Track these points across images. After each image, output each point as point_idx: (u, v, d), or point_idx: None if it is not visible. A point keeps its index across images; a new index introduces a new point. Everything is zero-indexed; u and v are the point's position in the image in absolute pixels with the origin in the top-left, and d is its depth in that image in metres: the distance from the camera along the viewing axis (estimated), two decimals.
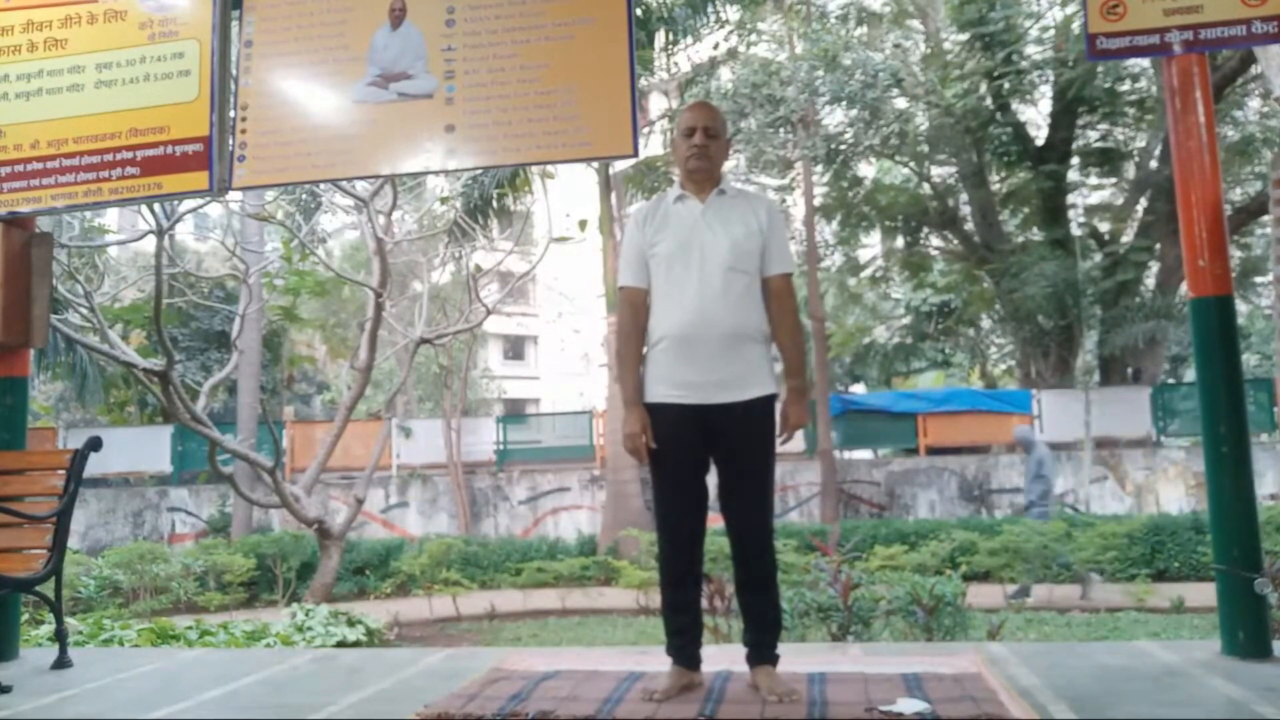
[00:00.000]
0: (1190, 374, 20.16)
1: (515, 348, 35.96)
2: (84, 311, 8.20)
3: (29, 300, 3.97)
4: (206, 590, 11.55)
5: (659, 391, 2.86)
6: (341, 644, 7.01)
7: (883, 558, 9.74)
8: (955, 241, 18.03)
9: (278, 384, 19.51)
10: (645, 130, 16.51)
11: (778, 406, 2.90)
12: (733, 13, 14.66)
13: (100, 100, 3.86)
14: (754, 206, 2.98)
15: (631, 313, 2.95)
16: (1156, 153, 15.72)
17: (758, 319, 2.88)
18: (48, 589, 3.74)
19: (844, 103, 13.94)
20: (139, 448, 16.37)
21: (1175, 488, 13.89)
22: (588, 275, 21.88)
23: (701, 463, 2.89)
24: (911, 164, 16.91)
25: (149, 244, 8.70)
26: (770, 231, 2.93)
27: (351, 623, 7.47)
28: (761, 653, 2.87)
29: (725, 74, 15.41)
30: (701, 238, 2.88)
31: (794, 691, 2.75)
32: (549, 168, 10.28)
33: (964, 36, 15.37)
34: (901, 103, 15.05)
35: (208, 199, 6.56)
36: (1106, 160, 16.95)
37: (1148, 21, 3.40)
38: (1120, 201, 17.73)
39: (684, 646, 2.90)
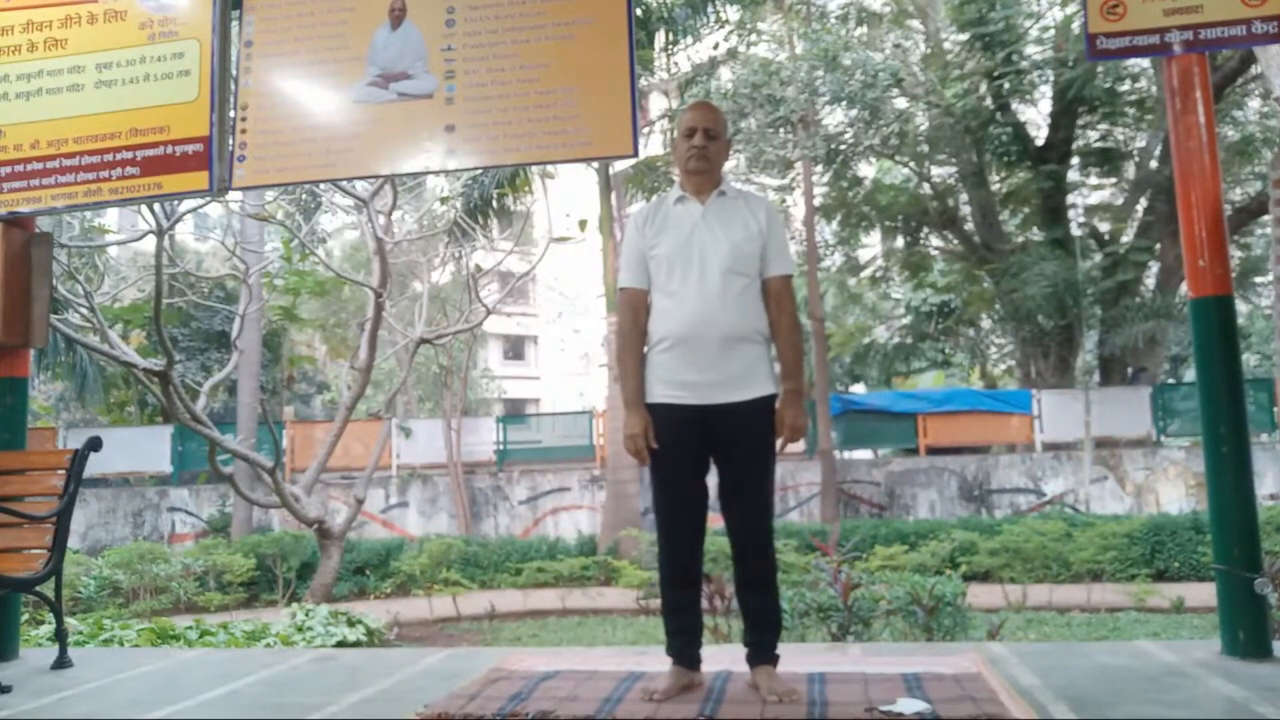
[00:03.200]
0: (1190, 374, 20.16)
1: (515, 348, 35.96)
2: (84, 311, 8.19)
3: (29, 300, 3.97)
4: (206, 590, 11.55)
5: (659, 392, 2.87)
6: (341, 644, 7.00)
7: (883, 558, 9.75)
8: (955, 241, 18.03)
9: (278, 384, 19.50)
10: (645, 130, 16.51)
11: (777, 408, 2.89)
12: (733, 13, 14.65)
13: (100, 100, 3.86)
14: (754, 208, 2.98)
15: (632, 314, 2.95)
16: (1156, 153, 15.72)
17: (758, 320, 2.89)
18: (48, 589, 3.74)
19: (844, 103, 13.93)
20: (139, 448, 16.37)
21: (1175, 488, 13.89)
22: (588, 275, 21.88)
23: (701, 463, 2.89)
24: (911, 164, 16.90)
25: (149, 244, 8.69)
26: (770, 233, 2.93)
27: (351, 623, 7.47)
28: (761, 653, 2.87)
29: (725, 74, 15.40)
30: (701, 239, 2.88)
31: (794, 691, 2.75)
32: (549, 168, 10.28)
33: (964, 36, 15.36)
34: (901, 103, 15.04)
35: (208, 199, 6.55)
36: (1106, 160, 16.95)
37: (1148, 21, 3.39)
38: (1120, 201, 17.73)
39: (684, 647, 2.90)
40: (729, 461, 2.87)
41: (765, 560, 2.88)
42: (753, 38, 15.35)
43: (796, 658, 3.23)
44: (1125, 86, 15.17)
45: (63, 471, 3.79)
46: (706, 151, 2.95)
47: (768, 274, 2.92)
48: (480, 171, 12.07)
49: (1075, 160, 16.62)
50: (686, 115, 3.05)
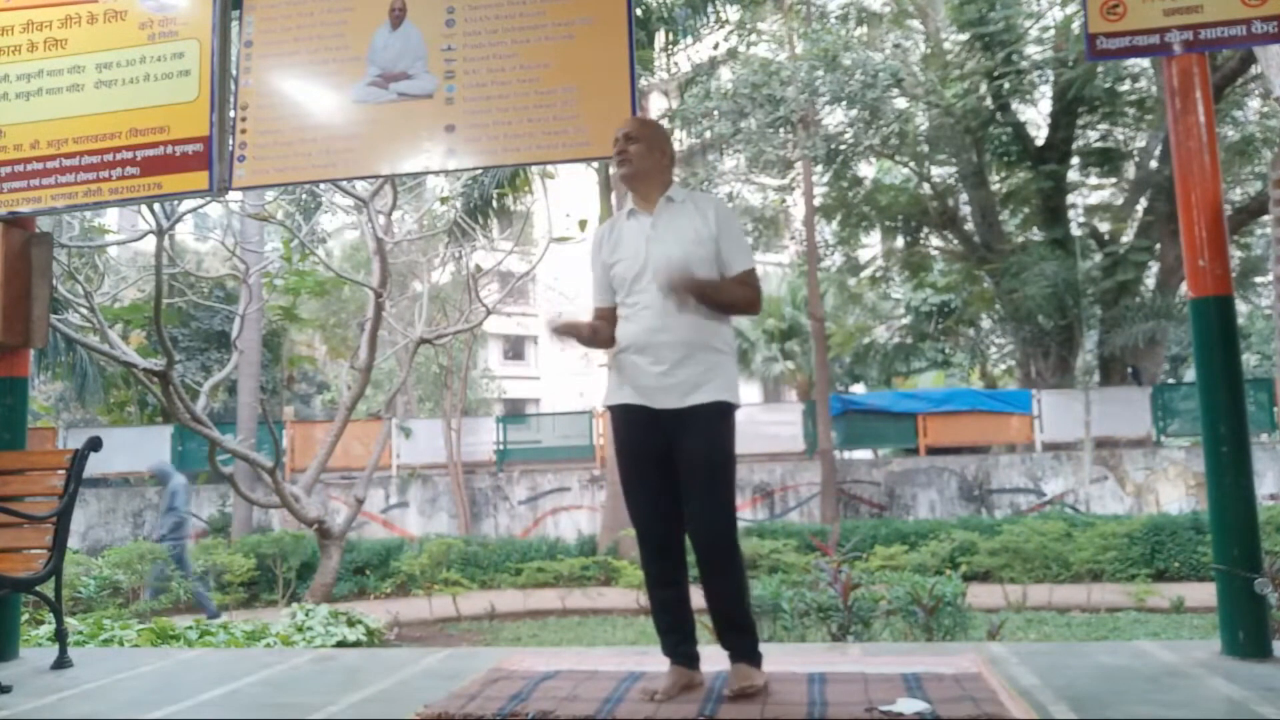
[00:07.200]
0: (1190, 374, 20.16)
1: (515, 348, 35.95)
2: (84, 311, 8.18)
3: (29, 300, 3.97)
4: (206, 590, 11.53)
5: (622, 394, 2.94)
6: (341, 644, 7.00)
7: (883, 558, 9.75)
8: (955, 241, 18.03)
9: (278, 384, 19.50)
10: None
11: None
12: (733, 13, 14.65)
13: (100, 100, 3.86)
14: (702, 210, 2.97)
15: (604, 326, 3.07)
16: (1156, 153, 15.72)
17: (714, 327, 2.90)
18: (48, 589, 3.74)
19: (844, 103, 13.92)
20: (139, 448, 16.33)
21: (1175, 488, 13.89)
22: (587, 275, 21.84)
23: (667, 463, 2.89)
24: (911, 164, 16.90)
25: (149, 244, 8.69)
26: (721, 232, 2.92)
27: (351, 623, 7.47)
28: (736, 654, 2.87)
29: (725, 74, 15.40)
30: (653, 252, 2.91)
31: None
32: (549, 168, 10.27)
33: (964, 36, 15.37)
34: (901, 103, 15.03)
35: (208, 199, 6.54)
36: (1106, 160, 16.95)
37: (1148, 21, 3.39)
38: (1120, 201, 17.73)
39: (677, 644, 2.91)
40: (681, 466, 2.87)
41: (727, 566, 2.84)
42: (753, 38, 15.35)
43: (796, 657, 3.23)
44: (1125, 86, 15.17)
45: (63, 471, 3.79)
46: (626, 154, 2.98)
47: (727, 274, 2.92)
48: (480, 171, 12.06)
49: (1075, 160, 16.62)
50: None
